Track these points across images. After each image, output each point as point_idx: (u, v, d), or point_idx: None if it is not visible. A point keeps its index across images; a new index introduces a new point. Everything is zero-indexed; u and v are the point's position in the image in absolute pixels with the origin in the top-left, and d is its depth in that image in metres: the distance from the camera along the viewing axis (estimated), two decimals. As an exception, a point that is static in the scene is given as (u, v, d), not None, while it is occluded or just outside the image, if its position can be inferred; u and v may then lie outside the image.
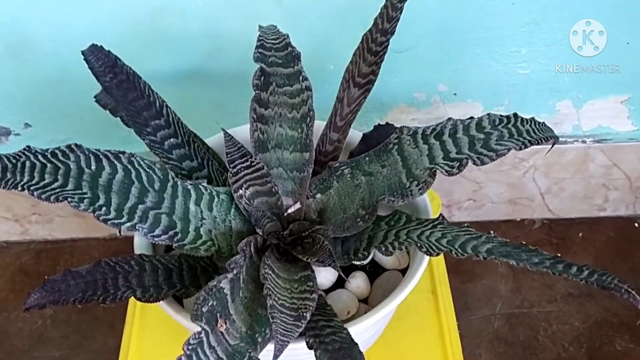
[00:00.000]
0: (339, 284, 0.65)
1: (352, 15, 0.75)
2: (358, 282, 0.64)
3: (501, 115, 0.61)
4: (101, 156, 0.51)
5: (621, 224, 1.02)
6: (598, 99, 0.87)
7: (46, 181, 0.47)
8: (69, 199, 0.47)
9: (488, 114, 0.60)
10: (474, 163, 0.57)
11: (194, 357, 0.46)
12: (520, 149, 0.59)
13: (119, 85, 0.62)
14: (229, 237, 0.59)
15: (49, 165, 0.48)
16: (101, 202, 0.49)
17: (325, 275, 0.64)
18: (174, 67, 0.80)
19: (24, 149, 0.49)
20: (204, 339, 0.47)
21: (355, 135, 0.70)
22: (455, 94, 0.86)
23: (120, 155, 0.52)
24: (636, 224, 1.02)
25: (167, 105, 0.64)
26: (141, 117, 0.62)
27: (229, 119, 0.83)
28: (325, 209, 0.63)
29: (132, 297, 0.77)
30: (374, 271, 0.67)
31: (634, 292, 0.48)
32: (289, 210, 0.62)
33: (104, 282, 0.54)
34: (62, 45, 0.77)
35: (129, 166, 0.52)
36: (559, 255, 0.51)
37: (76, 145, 0.50)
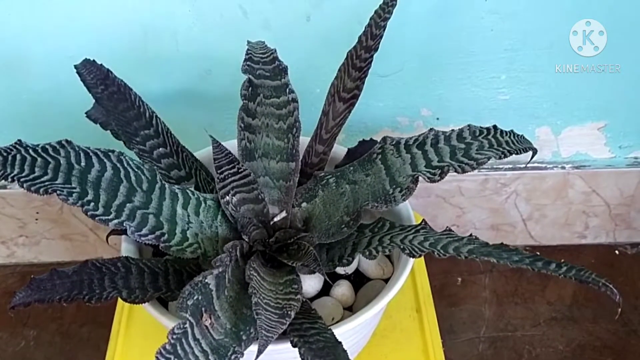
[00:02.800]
0: (324, 292, 0.65)
1: (339, 41, 0.77)
2: (343, 289, 0.65)
3: (481, 127, 0.63)
4: (91, 153, 0.52)
5: (602, 251, 1.04)
6: (576, 125, 0.90)
7: (36, 174, 0.49)
8: (58, 192, 0.48)
9: (469, 126, 0.62)
10: (455, 171, 0.59)
11: (178, 347, 0.46)
12: (500, 158, 0.60)
13: (110, 97, 0.64)
14: (215, 243, 0.60)
15: (39, 159, 0.50)
16: (89, 197, 0.50)
17: (310, 284, 0.64)
18: (165, 88, 0.82)
19: (16, 143, 0.50)
20: (189, 330, 0.47)
21: (340, 150, 0.71)
22: (438, 119, 0.88)
23: (110, 153, 0.53)
24: (617, 252, 1.04)
25: (156, 116, 0.66)
26: (131, 127, 0.64)
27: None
28: (310, 217, 0.64)
29: (116, 316, 0.78)
30: (358, 281, 0.67)
31: (611, 286, 0.49)
32: (275, 219, 0.64)
33: (90, 282, 0.55)
34: (56, 65, 0.79)
35: (118, 165, 0.53)
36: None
37: (67, 141, 0.51)
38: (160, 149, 0.64)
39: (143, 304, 0.56)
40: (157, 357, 0.44)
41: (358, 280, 0.67)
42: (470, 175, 0.94)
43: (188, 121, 0.85)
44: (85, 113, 0.70)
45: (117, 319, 0.79)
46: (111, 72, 0.65)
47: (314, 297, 0.65)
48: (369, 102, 0.86)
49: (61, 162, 0.50)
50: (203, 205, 0.60)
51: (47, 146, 0.50)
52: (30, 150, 0.50)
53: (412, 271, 0.83)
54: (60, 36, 0.77)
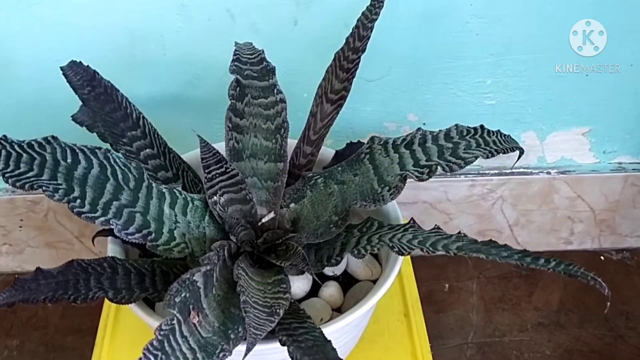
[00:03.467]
0: (313, 294, 0.65)
1: (326, 46, 0.78)
2: (331, 290, 0.64)
3: (468, 127, 0.63)
4: (77, 150, 0.51)
5: (588, 257, 1.04)
6: (561, 130, 0.91)
7: (21, 170, 0.48)
8: (44, 188, 0.48)
9: (456, 125, 0.63)
10: (443, 170, 0.59)
11: (166, 343, 0.45)
12: (488, 157, 0.61)
13: (97, 98, 0.64)
14: (203, 243, 0.59)
15: (24, 155, 0.49)
16: (76, 194, 0.49)
17: (298, 285, 0.64)
18: (153, 92, 0.82)
19: (0, 138, 0.49)
20: (176, 327, 0.47)
21: (328, 152, 0.71)
22: (424, 124, 0.88)
23: (97, 150, 0.52)
24: (602, 257, 1.04)
25: (143, 117, 0.65)
26: (118, 128, 0.63)
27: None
28: (299, 218, 0.63)
29: (101, 323, 0.77)
30: (347, 282, 0.67)
31: (600, 280, 0.49)
32: (263, 220, 0.63)
33: (76, 282, 0.54)
34: (42, 69, 0.78)
35: (105, 162, 0.53)
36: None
37: (53, 137, 0.51)
38: (147, 150, 0.64)
39: (129, 305, 0.55)
40: (144, 354, 0.44)
41: (346, 281, 0.67)
42: (457, 181, 0.94)
43: (175, 126, 0.84)
44: (72, 116, 0.69)
45: (103, 324, 0.78)
46: (98, 74, 0.65)
47: (302, 299, 0.65)
48: (356, 107, 0.86)
49: (47, 158, 0.50)
50: (190, 205, 0.60)
51: (32, 142, 0.50)
52: (16, 146, 0.49)
53: (400, 276, 0.83)
54: (46, 40, 0.76)
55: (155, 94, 0.82)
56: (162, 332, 0.45)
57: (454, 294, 0.98)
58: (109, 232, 0.63)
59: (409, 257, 0.86)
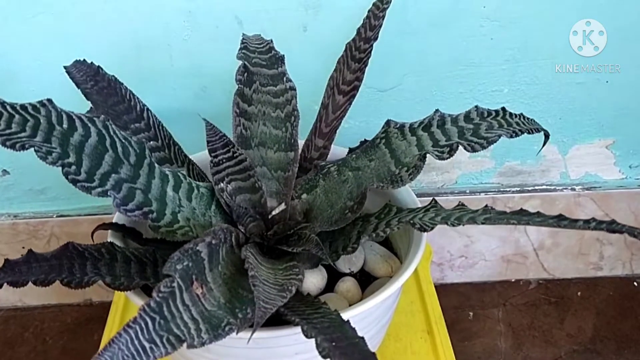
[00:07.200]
0: (328, 290, 0.60)
1: (337, 52, 0.76)
2: (348, 285, 0.59)
3: (489, 109, 0.60)
4: (74, 117, 0.48)
5: (619, 283, 0.98)
6: (583, 143, 0.87)
7: (12, 130, 0.44)
8: (36, 149, 0.44)
9: (476, 107, 0.60)
10: (465, 149, 0.55)
11: (165, 308, 0.40)
12: (511, 136, 0.57)
13: (100, 91, 0.62)
14: (209, 232, 0.55)
15: (17, 116, 0.45)
16: (71, 160, 0.46)
17: (312, 281, 0.59)
18: (160, 105, 0.79)
19: (-8, 98, 0.46)
20: (177, 292, 0.42)
21: (341, 150, 0.68)
22: (440, 137, 0.85)
23: (95, 119, 0.49)
24: (635, 283, 0.98)
25: (148, 109, 0.63)
26: (121, 120, 0.61)
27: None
28: (311, 209, 0.59)
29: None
30: (365, 280, 0.62)
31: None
32: (274, 212, 0.59)
33: (70, 267, 0.50)
34: (46, 82, 0.77)
35: (104, 131, 0.49)
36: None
37: (48, 100, 0.47)
38: (152, 142, 0.61)
39: (127, 292, 0.51)
40: (139, 314, 0.39)
41: (365, 279, 0.62)
42: (476, 199, 0.90)
43: (182, 140, 0.82)
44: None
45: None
46: (102, 69, 0.63)
47: (317, 296, 0.60)
48: (368, 119, 0.83)
49: (41, 120, 0.46)
50: (196, 191, 0.56)
51: (26, 105, 0.47)
52: (8, 107, 0.46)
53: (421, 293, 0.78)
54: (51, 50, 0.75)
55: (163, 107, 0.79)
56: (160, 295, 0.41)
57: (480, 322, 0.91)
58: (110, 226, 0.59)
59: (429, 275, 0.81)
